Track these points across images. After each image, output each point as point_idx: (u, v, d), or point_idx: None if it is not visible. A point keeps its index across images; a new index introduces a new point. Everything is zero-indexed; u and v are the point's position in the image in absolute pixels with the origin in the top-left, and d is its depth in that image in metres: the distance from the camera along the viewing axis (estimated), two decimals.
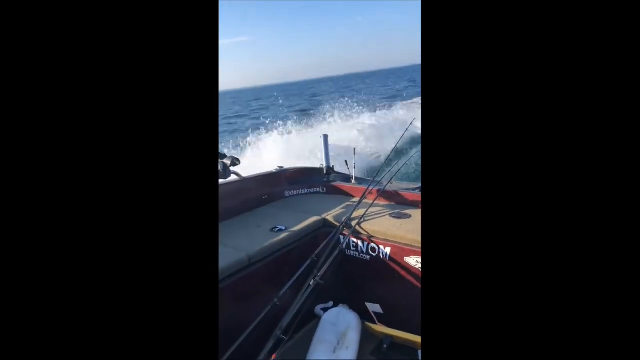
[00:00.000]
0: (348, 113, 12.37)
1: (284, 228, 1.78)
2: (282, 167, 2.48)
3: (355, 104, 13.25)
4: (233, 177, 2.03)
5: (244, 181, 2.13)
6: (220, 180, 1.97)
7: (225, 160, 1.91)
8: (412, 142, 6.48)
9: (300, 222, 1.84)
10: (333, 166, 2.50)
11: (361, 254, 1.78)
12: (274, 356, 1.16)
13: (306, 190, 2.41)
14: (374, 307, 1.79)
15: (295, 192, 2.39)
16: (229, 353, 1.14)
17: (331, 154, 2.48)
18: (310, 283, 1.41)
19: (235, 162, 1.94)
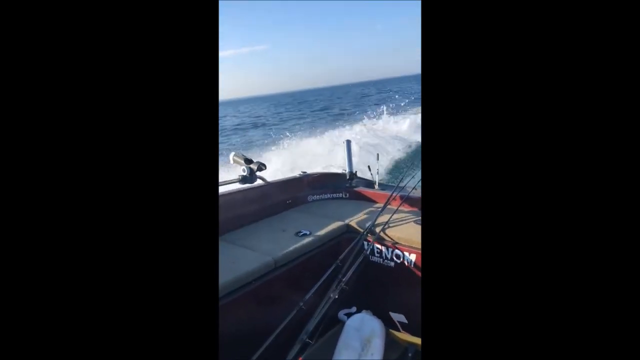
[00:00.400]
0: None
1: (308, 233, 1.80)
2: (305, 172, 2.51)
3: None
4: (259, 182, 2.08)
5: (268, 186, 2.17)
6: (246, 185, 2.01)
7: (252, 166, 1.96)
8: None
9: (324, 227, 1.86)
10: (356, 171, 2.50)
11: (385, 261, 1.78)
12: (300, 359, 1.17)
13: (329, 195, 2.42)
14: (398, 317, 1.78)
15: (318, 197, 2.41)
16: (256, 355, 1.17)
17: None
18: (335, 288, 1.42)
19: (262, 167, 1.99)
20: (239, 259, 1.53)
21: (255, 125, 24.05)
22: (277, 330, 1.24)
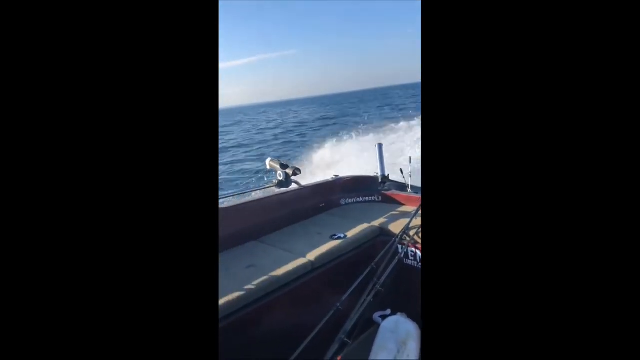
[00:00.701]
0: None
1: (342, 236, 1.85)
2: (337, 175, 2.56)
3: None
4: (294, 186, 2.15)
5: (303, 189, 2.24)
6: (282, 189, 2.09)
7: (287, 170, 2.03)
8: None
9: (357, 231, 1.90)
10: (388, 175, 2.52)
11: (419, 264, 1.79)
12: (339, 358, 1.21)
13: (362, 199, 2.46)
14: None
15: (351, 201, 2.45)
16: (296, 354, 1.22)
17: None
18: (371, 290, 1.46)
19: (297, 172, 2.06)
20: (277, 261, 1.60)
21: (343, 115, 27.38)
22: (316, 330, 1.29)
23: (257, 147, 17.64)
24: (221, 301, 1.33)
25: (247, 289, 1.39)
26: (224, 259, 1.69)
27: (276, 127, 26.64)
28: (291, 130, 23.00)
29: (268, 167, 2.12)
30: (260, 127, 28.49)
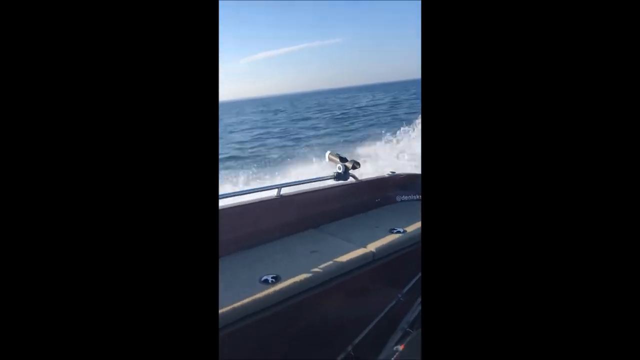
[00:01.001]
0: None
1: (402, 230, 1.85)
2: (394, 172, 2.56)
3: None
4: (351, 180, 2.18)
5: (360, 183, 2.26)
6: (340, 182, 2.13)
7: (347, 164, 2.07)
8: None
9: (416, 227, 1.89)
10: None
11: None
12: (402, 346, 1.23)
13: (418, 197, 2.43)
14: None
15: (406, 198, 2.43)
16: (359, 338, 1.26)
17: None
18: None
19: (356, 165, 2.09)
20: (338, 249, 1.64)
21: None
22: (378, 317, 1.32)
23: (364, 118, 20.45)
24: (285, 283, 1.39)
25: (312, 272, 1.45)
26: (285, 244, 1.76)
27: (374, 105, 30.15)
28: (393, 107, 26.21)
29: (327, 159, 2.17)
30: (355, 106, 32.44)
